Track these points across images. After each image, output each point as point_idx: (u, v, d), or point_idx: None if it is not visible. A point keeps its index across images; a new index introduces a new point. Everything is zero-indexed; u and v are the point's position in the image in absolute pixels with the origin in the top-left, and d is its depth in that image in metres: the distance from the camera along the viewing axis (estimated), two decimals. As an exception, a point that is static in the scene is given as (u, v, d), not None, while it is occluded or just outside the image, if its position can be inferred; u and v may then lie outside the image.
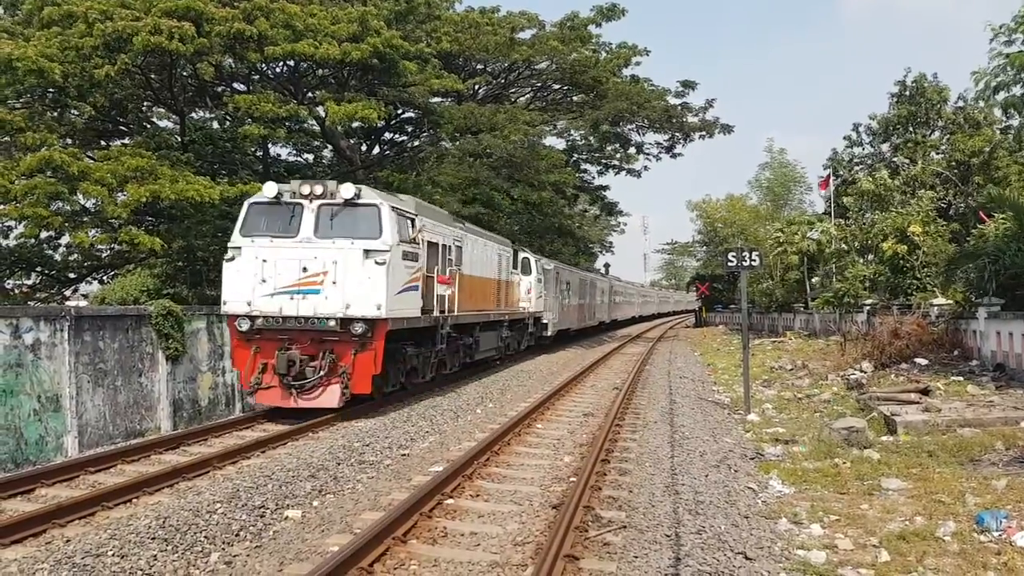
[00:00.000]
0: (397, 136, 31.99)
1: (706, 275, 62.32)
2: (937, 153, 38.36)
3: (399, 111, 27.46)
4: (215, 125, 25.57)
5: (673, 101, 35.34)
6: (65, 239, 21.61)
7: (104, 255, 21.35)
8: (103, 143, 24.75)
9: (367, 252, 12.29)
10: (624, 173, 40.30)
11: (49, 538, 6.57)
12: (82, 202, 20.18)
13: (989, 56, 19.62)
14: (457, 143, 29.18)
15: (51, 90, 20.27)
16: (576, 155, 39.20)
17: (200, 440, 11.19)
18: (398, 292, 12.74)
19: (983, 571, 6.15)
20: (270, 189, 12.75)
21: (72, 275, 22.99)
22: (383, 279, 12.19)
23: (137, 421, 12.33)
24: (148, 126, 25.01)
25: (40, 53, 18.45)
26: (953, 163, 36.52)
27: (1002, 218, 19.03)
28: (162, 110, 26.30)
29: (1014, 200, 18.60)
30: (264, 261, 12.43)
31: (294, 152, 30.28)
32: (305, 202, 12.63)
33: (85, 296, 22.08)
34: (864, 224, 32.25)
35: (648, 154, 39.15)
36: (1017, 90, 19.32)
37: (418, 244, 13.80)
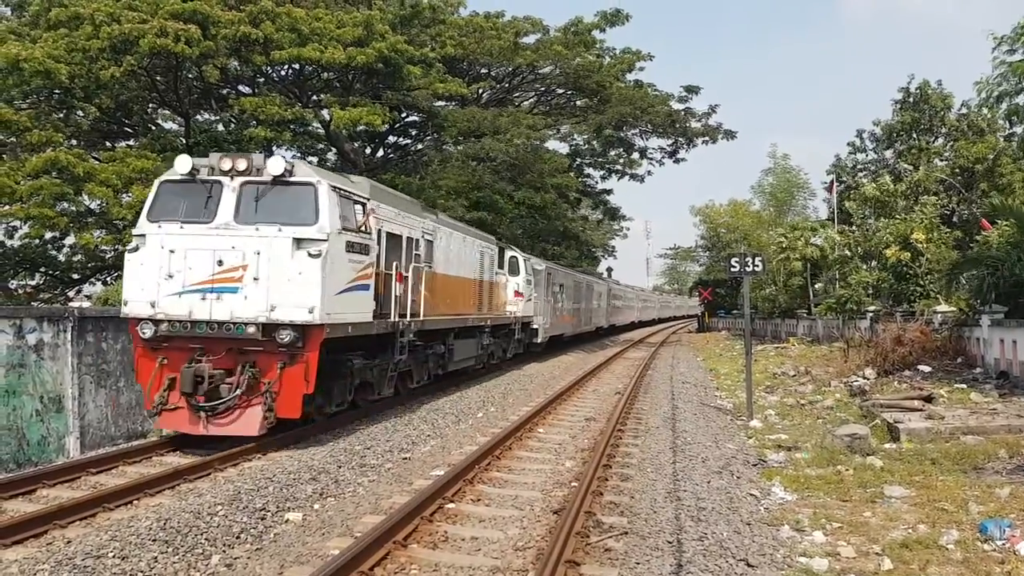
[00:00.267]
0: (401, 139, 32.10)
1: (709, 280, 62.24)
2: (941, 160, 38.34)
3: (403, 115, 27.54)
4: (220, 127, 25.68)
5: (676, 106, 35.40)
6: (70, 240, 21.72)
7: (108, 256, 21.41)
8: (108, 144, 24.86)
9: (298, 241, 10.20)
10: (627, 178, 40.36)
11: (50, 539, 6.57)
12: (87, 203, 20.26)
13: (992, 65, 19.63)
14: (460, 147, 29.23)
15: (57, 91, 20.38)
16: (579, 159, 39.25)
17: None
18: (340, 292, 10.62)
19: (986, 580, 6.12)
20: (183, 164, 10.66)
21: (76, 276, 23.06)
22: (317, 275, 10.08)
23: (139, 422, 12.32)
24: (153, 128, 25.11)
25: (47, 54, 18.54)
26: (957, 170, 36.49)
27: (1005, 226, 19.00)
28: (167, 112, 26.43)
29: (1017, 209, 18.55)
30: (171, 252, 10.33)
31: (299, 155, 30.52)
32: (225, 180, 10.52)
33: (88, 297, 22.12)
34: (867, 230, 32.21)
35: (651, 159, 39.24)
36: (1020, 99, 19.31)
37: (369, 234, 11.64)
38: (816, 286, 36.76)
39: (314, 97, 26.25)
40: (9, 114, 18.59)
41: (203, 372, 10.06)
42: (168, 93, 22.82)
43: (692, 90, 35.32)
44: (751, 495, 8.66)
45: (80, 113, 23.12)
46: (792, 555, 6.69)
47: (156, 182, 11.07)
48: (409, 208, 14.36)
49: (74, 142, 22.46)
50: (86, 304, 17.52)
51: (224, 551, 6.59)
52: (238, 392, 9.98)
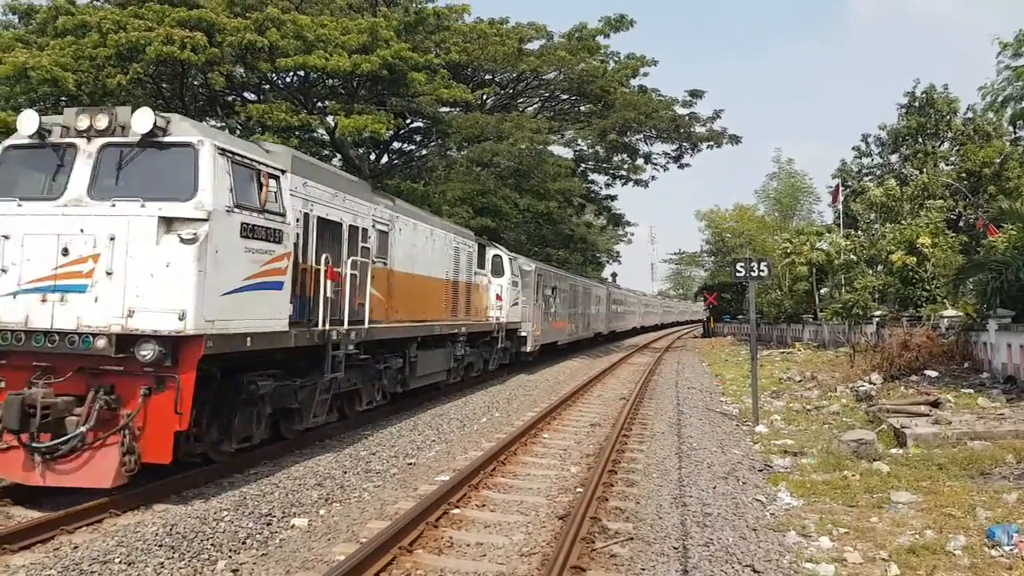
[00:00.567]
0: (406, 145, 32.14)
1: (714, 285, 62.21)
2: (947, 165, 38.30)
3: (408, 121, 27.59)
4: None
5: (680, 111, 35.38)
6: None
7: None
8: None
9: (166, 222, 7.69)
10: (632, 183, 40.32)
11: (57, 544, 6.58)
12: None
13: (996, 69, 19.65)
14: (464, 152, 29.28)
15: (64, 99, 20.49)
16: (583, 165, 39.25)
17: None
18: (231, 291, 8.04)
19: (994, 586, 6.10)
20: (28, 122, 8.24)
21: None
22: (192, 267, 7.57)
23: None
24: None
25: (54, 62, 18.67)
26: (963, 174, 36.44)
27: (1012, 230, 18.96)
28: (173, 119, 26.50)
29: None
30: (5, 239, 7.93)
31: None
32: (81, 142, 8.14)
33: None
34: (873, 235, 32.18)
35: (656, 164, 39.16)
36: (1027, 104, 19.31)
37: (283, 216, 9.08)
38: (822, 291, 36.71)
39: (319, 104, 26.35)
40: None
41: (35, 400, 7.37)
42: (174, 100, 22.93)
43: (696, 94, 35.29)
44: (757, 501, 8.64)
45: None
46: (798, 561, 6.67)
47: (1, 146, 8.69)
48: (354, 190, 11.66)
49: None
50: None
51: (230, 557, 6.59)
52: (83, 429, 7.42)
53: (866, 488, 9.01)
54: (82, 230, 7.75)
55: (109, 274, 7.61)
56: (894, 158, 41.76)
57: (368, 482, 9.30)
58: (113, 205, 7.79)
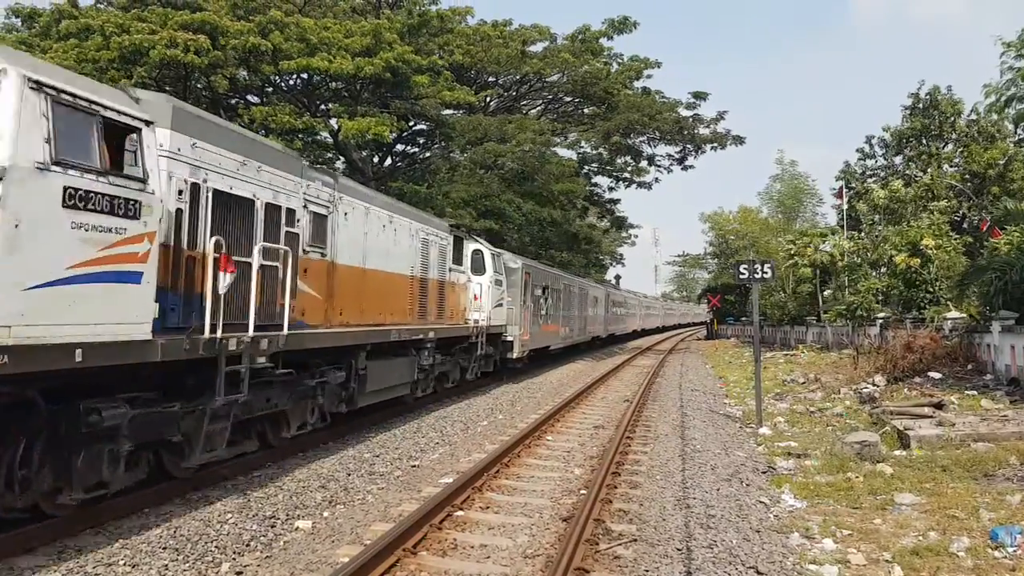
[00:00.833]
0: (409, 148, 32.20)
1: (718, 287, 62.20)
2: (951, 166, 38.27)
3: (411, 123, 27.64)
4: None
5: (684, 113, 35.42)
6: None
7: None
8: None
9: None
10: (635, 186, 40.36)
11: (61, 547, 6.60)
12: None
13: (1000, 70, 19.64)
14: (467, 155, 29.32)
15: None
16: (587, 167, 39.30)
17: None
18: (46, 283, 5.83)
19: (998, 588, 6.10)
20: None
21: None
22: None
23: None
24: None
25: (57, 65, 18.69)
26: (967, 175, 36.41)
27: (1015, 231, 18.94)
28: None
29: (1028, 214, 18.52)
30: None
31: (307, 163, 30.65)
32: None
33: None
34: (876, 237, 32.16)
35: (659, 166, 39.23)
36: (1028, 104, 19.29)
37: (142, 183, 6.79)
38: (825, 293, 36.67)
39: (322, 106, 26.41)
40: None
41: None
42: (177, 103, 22.98)
43: (700, 96, 35.36)
44: (761, 502, 8.64)
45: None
46: (802, 562, 6.67)
47: None
48: (276, 161, 9.37)
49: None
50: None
51: (234, 559, 6.61)
52: None
53: (869, 490, 9.01)
54: None
55: None
56: (898, 160, 41.74)
57: (372, 484, 9.32)
58: None
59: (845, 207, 37.36)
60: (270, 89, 26.05)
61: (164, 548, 6.61)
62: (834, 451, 11.08)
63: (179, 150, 7.63)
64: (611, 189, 42.07)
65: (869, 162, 44.65)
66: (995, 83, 19.70)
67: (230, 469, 9.11)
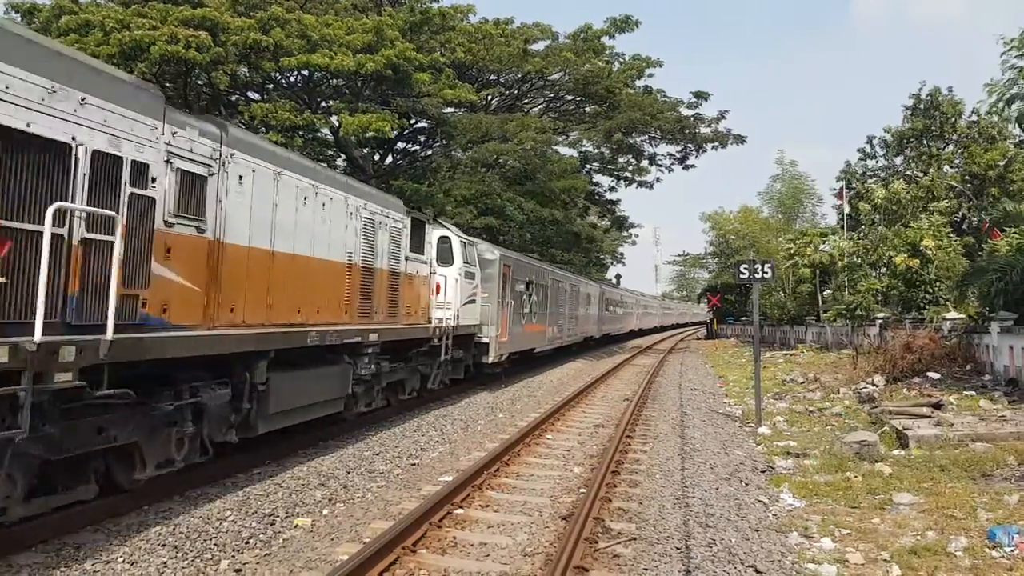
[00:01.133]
0: (410, 146, 32.18)
1: (717, 287, 62.24)
2: (952, 167, 38.28)
3: (412, 121, 27.62)
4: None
5: (685, 112, 35.41)
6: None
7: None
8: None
9: None
10: (636, 185, 40.35)
11: (60, 544, 6.61)
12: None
13: (1002, 68, 19.62)
14: (469, 153, 29.31)
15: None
16: (588, 166, 39.29)
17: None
18: None
19: (996, 588, 6.11)
20: None
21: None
22: None
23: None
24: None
25: (58, 62, 18.67)
26: (968, 176, 36.42)
27: (1015, 232, 18.95)
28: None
29: (1028, 215, 18.53)
30: None
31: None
32: None
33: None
34: (876, 238, 32.17)
35: (660, 165, 39.22)
36: (1029, 103, 19.28)
37: None
38: (825, 293, 36.68)
39: (323, 103, 26.40)
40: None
41: None
42: (177, 99, 22.96)
43: (702, 96, 35.34)
44: (760, 501, 8.66)
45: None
46: (801, 561, 6.68)
47: None
48: (119, 94, 6.75)
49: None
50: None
51: (233, 556, 6.62)
52: None
53: (868, 489, 9.03)
54: None
55: None
56: (899, 160, 41.74)
57: (372, 482, 9.33)
58: None
59: (846, 209, 37.36)
60: (271, 86, 26.03)
61: (163, 545, 6.62)
62: (833, 451, 11.10)
63: None
64: (612, 189, 42.09)
65: (870, 162, 44.68)
66: (995, 81, 19.67)
67: (229, 469, 9.12)
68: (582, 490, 8.96)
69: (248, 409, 8.75)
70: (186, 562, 6.38)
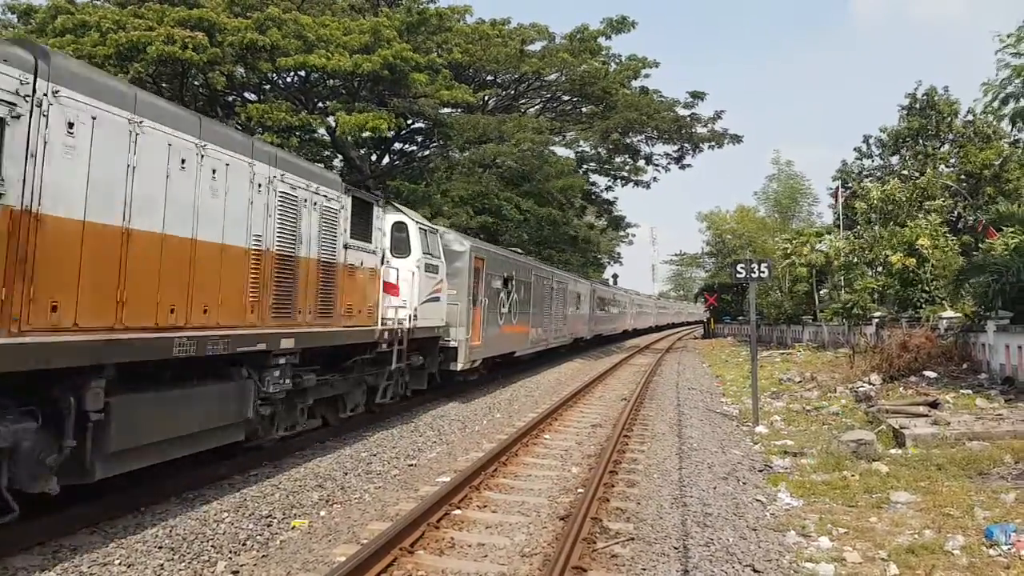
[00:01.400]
0: (407, 146, 32.18)
1: (714, 286, 62.31)
2: (947, 167, 38.36)
3: (409, 122, 27.61)
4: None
5: (682, 112, 35.46)
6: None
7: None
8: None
9: None
10: (633, 184, 40.41)
11: (56, 547, 6.59)
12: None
13: (996, 67, 19.66)
14: (466, 154, 29.30)
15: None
16: (585, 166, 39.33)
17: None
18: None
19: (993, 586, 6.12)
20: None
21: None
22: None
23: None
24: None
25: (53, 62, 18.64)
26: (963, 176, 36.50)
27: (1011, 232, 18.99)
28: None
29: (1022, 215, 18.56)
30: None
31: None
32: None
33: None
34: (871, 237, 32.23)
35: (657, 165, 39.29)
36: (1024, 102, 19.32)
37: None
38: (821, 292, 36.75)
39: (320, 104, 26.38)
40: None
41: None
42: (174, 100, 22.95)
43: (698, 96, 35.40)
44: (757, 501, 8.66)
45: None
46: (798, 560, 6.69)
47: None
48: None
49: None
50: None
51: (230, 558, 6.60)
52: None
53: (865, 488, 9.04)
54: None
55: None
56: (895, 159, 41.82)
57: (369, 483, 9.32)
58: None
59: (841, 208, 37.41)
60: (267, 86, 26.01)
61: (160, 547, 6.61)
62: (830, 450, 11.11)
63: None
64: (609, 188, 42.15)
65: (866, 162, 44.78)
66: (991, 80, 19.71)
67: (226, 468, 9.10)
68: (580, 490, 8.96)
69: (69, 448, 6.26)
70: (183, 564, 6.37)
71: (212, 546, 6.78)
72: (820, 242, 35.95)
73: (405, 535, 6.86)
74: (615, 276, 65.07)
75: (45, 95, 6.01)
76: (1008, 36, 19.21)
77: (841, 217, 37.98)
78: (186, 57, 19.19)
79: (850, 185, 41.40)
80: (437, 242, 15.27)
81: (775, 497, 8.87)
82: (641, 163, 39.00)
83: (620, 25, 31.63)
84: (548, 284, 26.76)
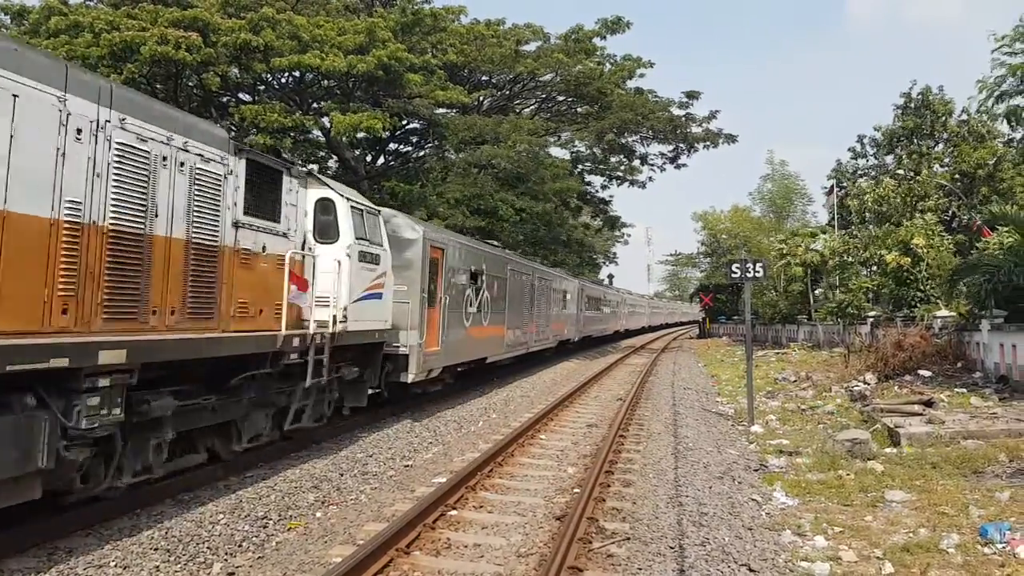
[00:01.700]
0: (402, 147, 32.15)
1: (710, 286, 62.36)
2: (942, 166, 38.47)
3: (404, 122, 27.59)
4: (220, 135, 25.68)
5: (677, 112, 35.51)
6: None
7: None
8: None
9: None
10: (628, 184, 40.42)
11: (52, 549, 6.57)
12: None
13: (991, 66, 19.76)
14: (462, 155, 29.28)
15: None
16: (580, 166, 39.35)
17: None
18: None
19: (988, 585, 6.14)
20: None
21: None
22: None
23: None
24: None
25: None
26: (957, 175, 36.61)
27: (1005, 232, 19.05)
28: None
29: (1016, 215, 18.62)
30: None
31: (300, 162, 30.39)
32: None
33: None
34: (866, 236, 32.30)
35: (652, 165, 39.33)
36: (1020, 100, 19.41)
37: None
38: (816, 291, 36.82)
39: (314, 104, 26.35)
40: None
41: None
42: (168, 101, 22.90)
43: (693, 95, 35.44)
44: (753, 500, 8.68)
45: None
46: (794, 559, 6.70)
47: None
48: None
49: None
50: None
51: (226, 560, 6.59)
52: None
53: (860, 487, 9.06)
54: None
55: None
56: (889, 159, 41.92)
57: (365, 484, 9.31)
58: None
59: (835, 207, 37.49)
60: (262, 87, 25.97)
61: (155, 549, 6.59)
62: (825, 449, 11.13)
63: None
64: (604, 187, 42.17)
65: (860, 161, 44.88)
66: (986, 78, 19.81)
67: (222, 470, 9.08)
68: (576, 490, 8.96)
69: None
70: (179, 566, 6.36)
71: (208, 548, 6.77)
72: (815, 241, 36.02)
73: (401, 536, 6.85)
74: (611, 276, 65.24)
75: None
76: (1003, 38, 19.33)
77: (836, 216, 38.06)
78: (179, 57, 19.15)
79: (844, 185, 41.49)
80: (379, 226, 12.36)
81: (771, 496, 8.89)
82: (636, 163, 39.05)
83: (615, 26, 31.65)
84: (528, 281, 24.28)
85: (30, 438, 5.93)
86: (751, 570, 6.41)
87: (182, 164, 7.84)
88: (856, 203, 34.59)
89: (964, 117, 38.04)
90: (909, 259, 24.37)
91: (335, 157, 29.75)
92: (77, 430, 6.35)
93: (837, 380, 18.91)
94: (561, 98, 34.88)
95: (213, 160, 8.35)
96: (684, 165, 39.13)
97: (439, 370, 15.51)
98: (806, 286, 36.76)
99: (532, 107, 35.57)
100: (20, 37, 22.47)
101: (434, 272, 15.03)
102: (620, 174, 39.99)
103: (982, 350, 17.13)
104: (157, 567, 6.26)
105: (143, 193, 7.28)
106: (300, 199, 10.29)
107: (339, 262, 10.61)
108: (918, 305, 23.49)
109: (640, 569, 6.44)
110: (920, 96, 39.16)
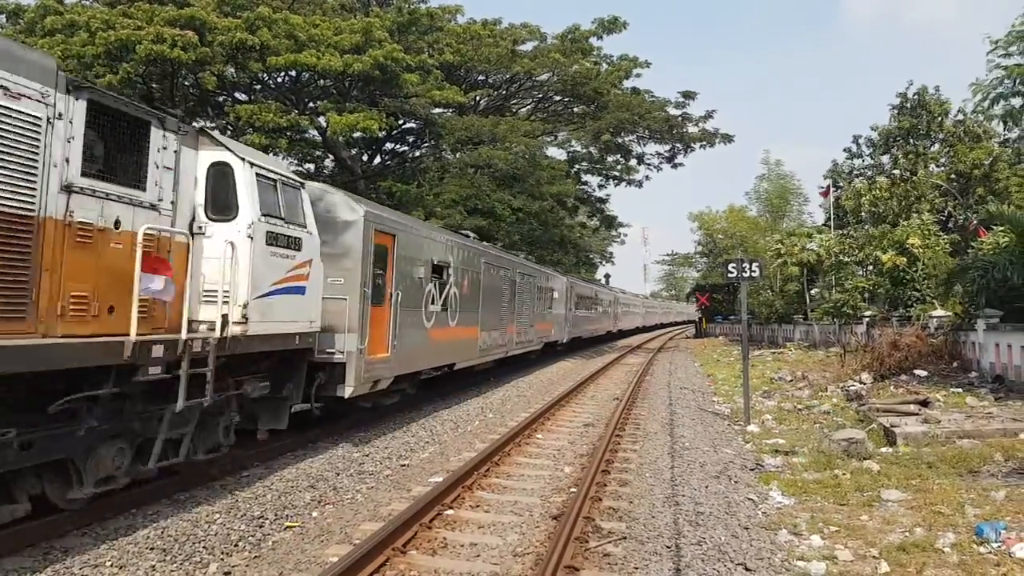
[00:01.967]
0: (398, 147, 32.14)
1: (706, 286, 62.45)
2: (938, 166, 38.55)
3: (400, 122, 27.57)
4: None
5: (673, 112, 35.55)
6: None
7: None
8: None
9: None
10: (625, 184, 40.47)
11: (47, 548, 6.56)
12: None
13: (987, 68, 19.82)
14: (458, 155, 29.28)
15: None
16: (577, 166, 39.38)
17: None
18: None
19: (983, 583, 6.15)
20: None
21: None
22: None
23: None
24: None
25: (42, 62, 18.53)
26: (953, 175, 36.70)
27: (1000, 231, 19.10)
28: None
29: (1012, 215, 18.69)
30: None
31: (295, 162, 30.50)
32: None
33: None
34: (862, 236, 32.36)
35: (649, 164, 39.37)
36: (1016, 101, 19.47)
37: None
38: (812, 291, 36.89)
39: (310, 104, 26.32)
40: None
41: None
42: (164, 100, 22.86)
43: (689, 95, 35.48)
44: (749, 499, 8.68)
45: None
46: (790, 559, 6.71)
47: None
48: None
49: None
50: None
51: (222, 559, 6.58)
52: None
53: (856, 487, 9.07)
54: None
55: None
56: (885, 159, 41.98)
57: (361, 484, 9.30)
58: None
59: (832, 207, 37.54)
60: (258, 86, 25.93)
61: (151, 549, 6.58)
62: (821, 448, 11.14)
63: None
64: (601, 187, 42.21)
65: (856, 162, 44.94)
66: (981, 81, 19.88)
67: (218, 469, 9.06)
68: (572, 489, 8.96)
69: None
70: (175, 565, 6.35)
71: (204, 547, 6.75)
72: (811, 241, 36.10)
73: (398, 535, 6.85)
74: (607, 276, 65.24)
75: None
76: (998, 41, 19.40)
77: (832, 217, 38.12)
78: (175, 56, 19.11)
79: (840, 185, 41.55)
80: (300, 201, 9.81)
81: (767, 496, 8.89)
82: (633, 163, 39.10)
83: (612, 25, 31.69)
84: (507, 276, 21.62)
85: None
86: (747, 569, 6.41)
87: None
88: (852, 204, 34.66)
89: (960, 117, 38.13)
90: (905, 259, 24.43)
91: (331, 157, 29.73)
92: None
93: (833, 380, 18.94)
94: (558, 98, 34.91)
95: (25, 96, 5.93)
96: (681, 165, 39.22)
97: (390, 380, 12.76)
98: (802, 286, 36.85)
99: (528, 107, 35.61)
100: (15, 36, 22.42)
101: (381, 262, 12.28)
102: (617, 174, 40.04)
103: (978, 350, 17.17)
104: (153, 567, 6.25)
105: None
106: (184, 162, 7.87)
107: (233, 244, 8.10)
108: (914, 305, 23.55)
109: (636, 568, 6.44)
110: (916, 96, 39.23)
